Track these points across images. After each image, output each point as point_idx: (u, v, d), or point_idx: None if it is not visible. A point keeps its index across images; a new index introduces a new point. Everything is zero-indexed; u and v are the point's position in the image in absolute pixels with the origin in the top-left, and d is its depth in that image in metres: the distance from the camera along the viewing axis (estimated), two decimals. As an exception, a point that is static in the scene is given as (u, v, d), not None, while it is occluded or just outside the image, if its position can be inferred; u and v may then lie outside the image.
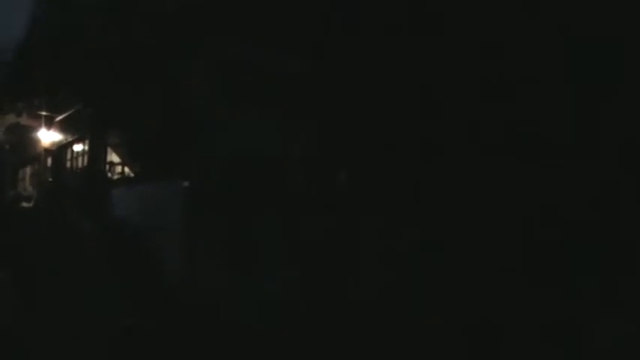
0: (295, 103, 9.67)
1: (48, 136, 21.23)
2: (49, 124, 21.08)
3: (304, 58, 9.63)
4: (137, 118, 12.79)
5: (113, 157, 18.10)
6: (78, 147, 20.23)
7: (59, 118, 20.73)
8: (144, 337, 6.95)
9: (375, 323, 7.07)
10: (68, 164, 21.26)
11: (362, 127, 9.30)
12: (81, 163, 19.91)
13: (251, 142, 9.80)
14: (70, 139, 20.63)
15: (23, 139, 23.45)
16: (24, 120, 22.31)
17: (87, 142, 19.04)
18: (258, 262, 8.27)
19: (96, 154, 17.88)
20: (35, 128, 21.70)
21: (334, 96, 9.29)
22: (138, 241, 10.79)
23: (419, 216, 8.24)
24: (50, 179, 21.88)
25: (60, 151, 21.78)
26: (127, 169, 17.19)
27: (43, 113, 20.63)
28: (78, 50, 14.67)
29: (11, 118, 22.80)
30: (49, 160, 22.70)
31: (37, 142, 22.01)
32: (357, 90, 9.24)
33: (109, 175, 17.61)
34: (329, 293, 7.85)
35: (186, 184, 9.27)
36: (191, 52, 10.53)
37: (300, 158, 9.46)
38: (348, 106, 9.35)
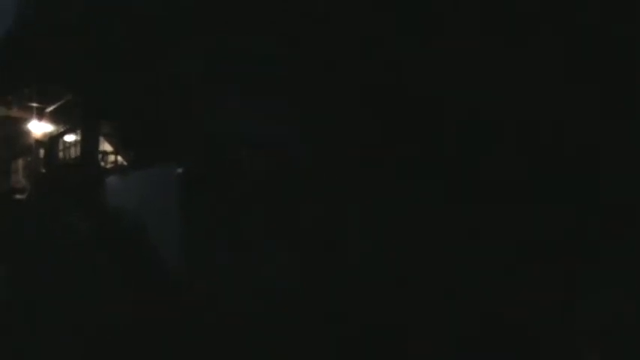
0: (293, 89, 9.41)
1: (39, 128, 20.91)
2: (40, 115, 20.76)
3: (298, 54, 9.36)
4: (130, 104, 12.55)
5: (106, 147, 17.86)
6: (70, 137, 19.94)
7: (50, 108, 20.41)
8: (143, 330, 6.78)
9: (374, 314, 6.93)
10: (61, 155, 20.98)
11: (353, 118, 9.08)
12: (74, 153, 19.63)
13: (247, 126, 9.56)
14: (61, 129, 20.34)
15: (14, 131, 23.12)
16: (14, 112, 21.99)
17: (79, 132, 18.76)
18: (260, 248, 8.09)
19: (88, 144, 17.62)
20: (26, 120, 21.38)
21: (328, 86, 9.04)
22: (135, 230, 10.60)
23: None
24: (43, 171, 21.60)
25: (52, 142, 21.47)
26: (120, 158, 16.99)
27: (34, 104, 20.31)
28: (68, 38, 14.35)
29: (1, 111, 22.47)
30: (41, 152, 22.39)
31: (28, 134, 21.70)
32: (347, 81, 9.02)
33: (103, 164, 17.38)
34: (331, 283, 7.68)
35: (181, 169, 9.07)
36: (184, 38, 10.29)
37: (299, 143, 9.21)
38: (340, 97, 9.12)
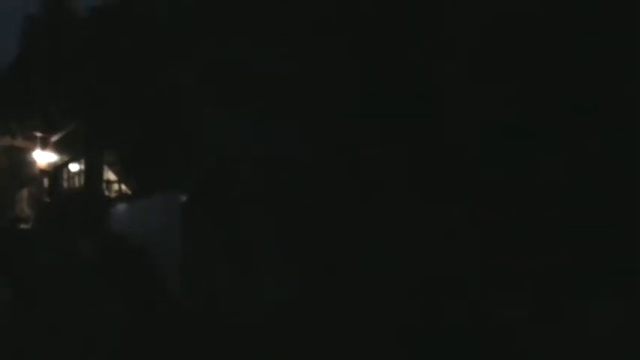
0: (291, 103, 9.54)
1: (43, 157, 21.15)
2: (45, 144, 21.01)
3: (299, 58, 9.49)
4: (131, 132, 12.77)
5: (110, 175, 18.07)
6: (74, 167, 20.18)
7: (54, 138, 20.69)
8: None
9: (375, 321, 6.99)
10: (65, 184, 21.20)
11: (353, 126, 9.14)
12: (78, 182, 19.85)
13: (246, 146, 9.69)
14: (66, 159, 20.58)
15: (18, 161, 23.38)
16: (19, 142, 22.26)
17: (83, 161, 19.00)
18: (260, 266, 8.21)
19: (92, 173, 17.84)
20: (30, 149, 21.63)
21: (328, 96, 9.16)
22: (139, 256, 10.75)
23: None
24: (47, 200, 21.79)
25: (56, 171, 21.72)
26: (124, 187, 17.17)
27: (38, 134, 20.57)
28: (71, 67, 14.68)
29: (6, 141, 22.78)
30: (46, 181, 22.62)
31: (32, 163, 21.94)
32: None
33: (107, 193, 17.58)
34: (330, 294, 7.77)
35: (183, 195, 9.25)
36: (185, 58, 10.49)
37: (298, 159, 9.30)
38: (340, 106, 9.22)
